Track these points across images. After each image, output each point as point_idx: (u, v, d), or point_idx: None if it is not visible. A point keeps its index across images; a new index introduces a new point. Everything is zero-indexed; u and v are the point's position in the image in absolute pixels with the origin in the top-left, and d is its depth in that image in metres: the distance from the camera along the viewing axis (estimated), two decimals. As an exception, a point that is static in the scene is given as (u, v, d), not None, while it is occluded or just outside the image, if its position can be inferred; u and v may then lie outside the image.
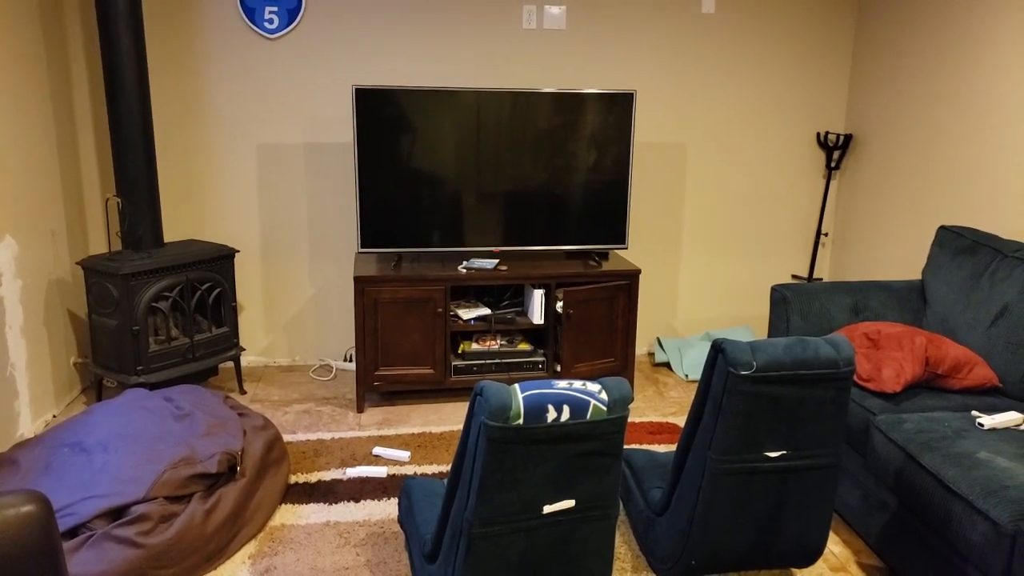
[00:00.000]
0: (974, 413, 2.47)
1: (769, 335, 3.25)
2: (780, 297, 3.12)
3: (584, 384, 1.77)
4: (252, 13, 3.68)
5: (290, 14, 3.71)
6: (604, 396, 1.76)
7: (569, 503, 1.82)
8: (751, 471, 2.09)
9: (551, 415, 1.71)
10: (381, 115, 3.44)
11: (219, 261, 3.52)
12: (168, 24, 3.66)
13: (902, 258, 3.84)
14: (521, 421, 1.69)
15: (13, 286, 3.09)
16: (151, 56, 3.67)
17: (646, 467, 2.53)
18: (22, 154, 3.17)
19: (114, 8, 3.16)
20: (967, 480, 2.07)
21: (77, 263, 3.38)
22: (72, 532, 2.19)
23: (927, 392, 2.66)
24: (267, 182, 3.89)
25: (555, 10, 3.89)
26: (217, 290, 3.52)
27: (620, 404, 1.77)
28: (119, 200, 3.33)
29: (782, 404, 2.03)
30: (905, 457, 2.29)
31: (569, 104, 3.57)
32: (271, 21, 3.70)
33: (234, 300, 3.60)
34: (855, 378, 2.69)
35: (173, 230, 3.86)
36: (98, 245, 3.82)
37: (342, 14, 3.76)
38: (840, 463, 2.16)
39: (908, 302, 3.16)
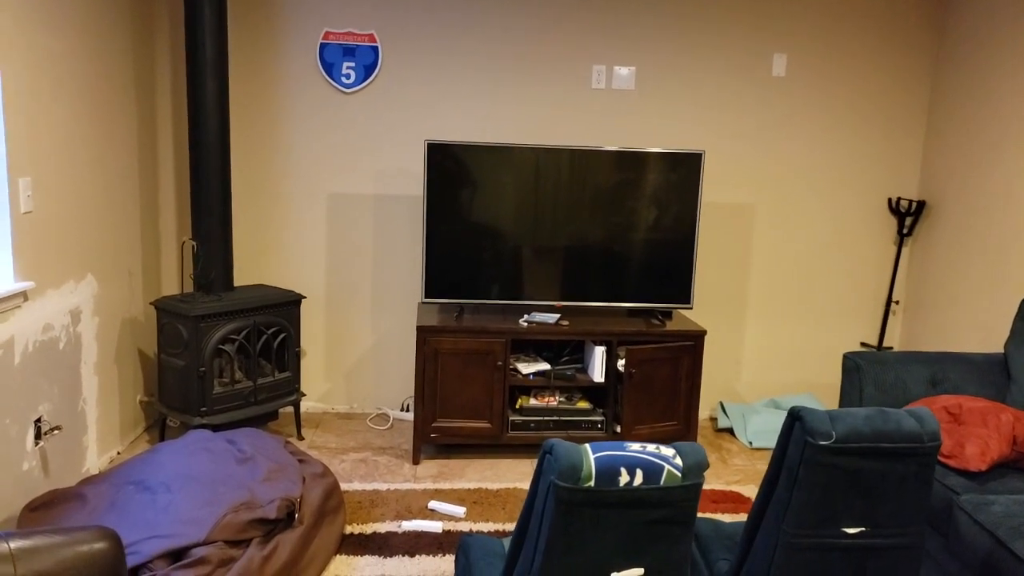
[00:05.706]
0: (1068, 498, 2.32)
1: (840, 404, 3.13)
2: (853, 365, 3.02)
3: (658, 448, 1.72)
4: (331, 68, 3.82)
5: (366, 70, 3.83)
6: (679, 461, 1.70)
7: (638, 571, 1.75)
8: (827, 547, 1.98)
9: (624, 479, 1.66)
10: (451, 169, 3.50)
11: (286, 307, 3.58)
12: (250, 77, 3.82)
13: (979, 329, 3.69)
14: (592, 483, 1.64)
15: (91, 323, 3.19)
16: (232, 105, 3.82)
17: (712, 537, 2.42)
18: (108, 198, 3.31)
19: (202, 60, 3.31)
20: (1066, 571, 1.93)
21: (150, 303, 3.48)
22: (133, 572, 2.20)
23: (1015, 473, 2.51)
24: (336, 230, 3.98)
25: (624, 71, 3.93)
26: (282, 335, 3.57)
27: (695, 470, 1.71)
28: (194, 243, 3.44)
29: (862, 478, 1.94)
30: (994, 542, 2.15)
31: (637, 163, 3.58)
32: (348, 76, 3.83)
33: (298, 346, 3.64)
34: (935, 454, 2.56)
35: (243, 274, 3.95)
36: (171, 286, 3.93)
37: (416, 71, 3.87)
38: (922, 544, 2.04)
39: (989, 376, 3.02)
